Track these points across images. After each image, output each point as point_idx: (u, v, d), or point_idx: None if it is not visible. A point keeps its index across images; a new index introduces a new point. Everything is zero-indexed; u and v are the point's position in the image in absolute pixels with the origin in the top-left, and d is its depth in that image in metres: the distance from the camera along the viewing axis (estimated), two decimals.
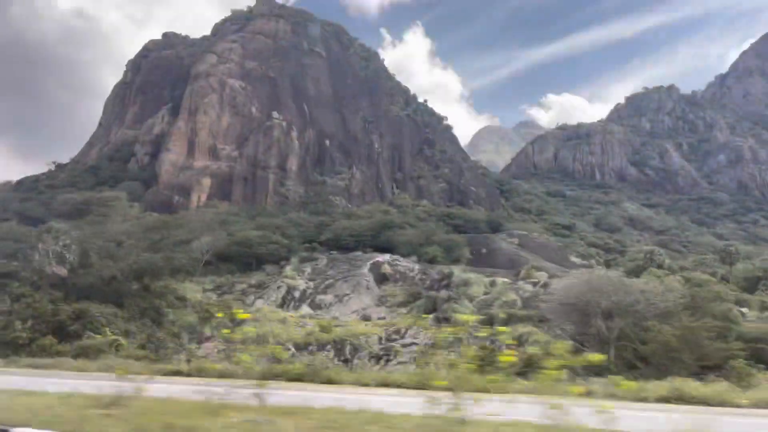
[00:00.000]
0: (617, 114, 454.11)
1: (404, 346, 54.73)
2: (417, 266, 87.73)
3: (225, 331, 56.77)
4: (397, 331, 58.43)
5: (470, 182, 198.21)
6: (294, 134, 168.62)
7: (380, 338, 56.51)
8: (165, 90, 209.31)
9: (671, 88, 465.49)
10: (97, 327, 53.41)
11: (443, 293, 61.82)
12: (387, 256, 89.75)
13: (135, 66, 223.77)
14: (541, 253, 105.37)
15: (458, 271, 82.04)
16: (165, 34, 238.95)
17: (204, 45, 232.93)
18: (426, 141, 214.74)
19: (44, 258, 54.13)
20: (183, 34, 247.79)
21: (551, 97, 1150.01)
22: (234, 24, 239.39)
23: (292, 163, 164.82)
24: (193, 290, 75.55)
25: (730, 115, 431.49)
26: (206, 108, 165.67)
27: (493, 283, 72.55)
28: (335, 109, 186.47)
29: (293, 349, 54.14)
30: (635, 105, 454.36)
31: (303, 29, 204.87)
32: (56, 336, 52.78)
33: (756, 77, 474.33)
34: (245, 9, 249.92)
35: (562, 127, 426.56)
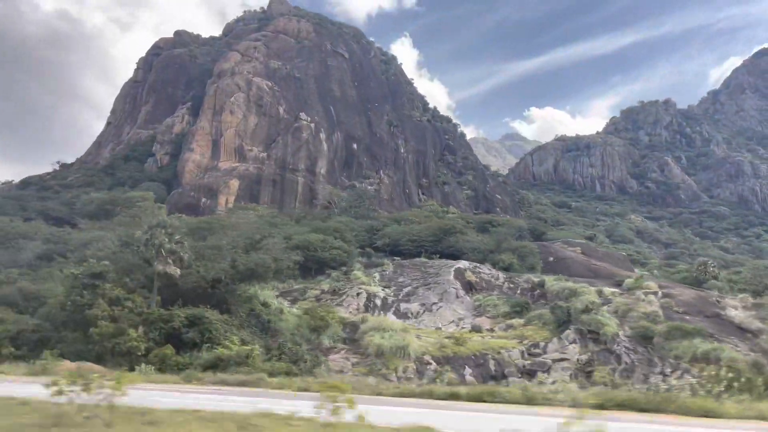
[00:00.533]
0: (614, 127, 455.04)
1: (554, 361, 49.25)
2: (501, 274, 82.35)
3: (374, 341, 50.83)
4: (535, 345, 52.95)
5: (494, 190, 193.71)
6: (322, 136, 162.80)
7: (522, 352, 50.92)
8: (179, 89, 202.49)
9: (668, 102, 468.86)
10: (216, 335, 47.12)
11: (579, 303, 56.45)
12: (465, 263, 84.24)
13: (146, 64, 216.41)
14: (609, 262, 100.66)
15: (550, 281, 76.91)
16: (177, 32, 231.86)
17: (217, 44, 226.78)
18: (447, 147, 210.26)
19: (157, 256, 47.70)
20: (195, 32, 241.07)
21: (534, 111, 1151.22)
22: (247, 24, 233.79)
23: (322, 166, 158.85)
24: (269, 295, 69.30)
25: (723, 130, 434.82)
26: (232, 107, 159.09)
27: (600, 293, 67.35)
28: (360, 112, 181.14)
29: (434, 364, 48.39)
30: (632, 118, 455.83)
31: (324, 30, 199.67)
32: (169, 344, 46.50)
33: (749, 93, 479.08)
34: (258, 9, 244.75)
35: (561, 139, 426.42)
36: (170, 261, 47.26)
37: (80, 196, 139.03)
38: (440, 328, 64.43)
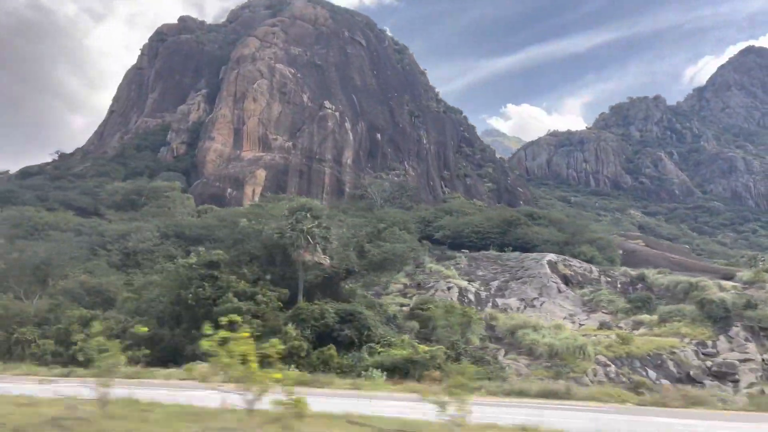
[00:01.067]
0: (603, 123, 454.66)
1: (741, 362, 44.54)
2: (594, 267, 77.64)
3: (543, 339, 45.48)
4: (701, 343, 48.22)
5: (515, 183, 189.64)
6: (348, 126, 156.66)
7: (695, 352, 46.11)
8: (187, 76, 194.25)
9: (657, 99, 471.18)
10: (375, 333, 41.42)
11: (732, 296, 51.96)
12: (553, 256, 79.36)
13: (151, 51, 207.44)
14: (681, 255, 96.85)
15: (652, 274, 72.44)
16: (181, 18, 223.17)
17: (224, 31, 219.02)
18: (463, 139, 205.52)
19: (304, 243, 41.74)
20: (200, 19, 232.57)
21: (511, 107, 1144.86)
22: (254, 11, 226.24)
23: (348, 157, 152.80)
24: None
25: (710, 127, 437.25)
26: (255, 94, 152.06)
27: (720, 287, 62.96)
28: (382, 101, 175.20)
29: (613, 366, 43.31)
30: (622, 114, 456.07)
31: (340, 16, 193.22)
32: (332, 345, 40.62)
33: (734, 91, 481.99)
34: None
35: (553, 134, 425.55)
36: (319, 249, 41.23)
37: (102, 186, 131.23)
38: (560, 326, 59.41)
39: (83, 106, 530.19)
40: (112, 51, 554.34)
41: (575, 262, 78.64)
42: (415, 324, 52.27)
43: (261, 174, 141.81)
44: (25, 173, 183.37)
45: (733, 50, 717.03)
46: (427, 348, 38.51)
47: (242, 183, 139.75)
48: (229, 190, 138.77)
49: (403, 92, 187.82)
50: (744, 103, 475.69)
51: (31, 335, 50.14)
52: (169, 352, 47.09)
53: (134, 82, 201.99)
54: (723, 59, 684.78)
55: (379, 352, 39.51)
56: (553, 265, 75.45)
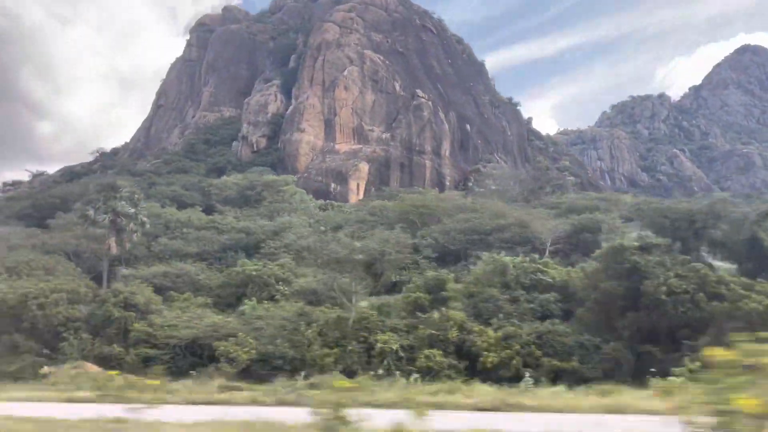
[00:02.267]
0: (609, 121, 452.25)
1: None
2: None
3: None
4: None
5: (596, 176, 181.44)
6: (442, 116, 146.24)
7: None
8: (241, 68, 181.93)
9: (662, 96, 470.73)
10: None
11: None
12: None
13: (199, 41, 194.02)
14: None
15: None
16: (226, 8, 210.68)
17: (272, 21, 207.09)
18: (530, 131, 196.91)
19: None
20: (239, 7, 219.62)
21: None
22: (296, 1, 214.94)
23: (446, 148, 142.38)
24: None
25: (710, 124, 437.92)
26: (346, 83, 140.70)
27: None
28: (464, 91, 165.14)
29: None
30: (627, 113, 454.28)
31: (407, 3, 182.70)
32: None
33: (732, 89, 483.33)
34: None
35: (564, 132, 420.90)
36: None
37: (204, 181, 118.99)
38: None
39: (50, 112, 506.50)
40: (81, 57, 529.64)
41: None
42: None
43: (364, 168, 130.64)
44: (70, 173, 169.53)
45: (704, 51, 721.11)
46: None
47: (346, 177, 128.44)
48: (332, 184, 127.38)
49: (477, 82, 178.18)
50: (742, 101, 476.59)
51: (395, 343, 38.92)
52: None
53: (184, 74, 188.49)
54: (694, 60, 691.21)
55: None
56: None
